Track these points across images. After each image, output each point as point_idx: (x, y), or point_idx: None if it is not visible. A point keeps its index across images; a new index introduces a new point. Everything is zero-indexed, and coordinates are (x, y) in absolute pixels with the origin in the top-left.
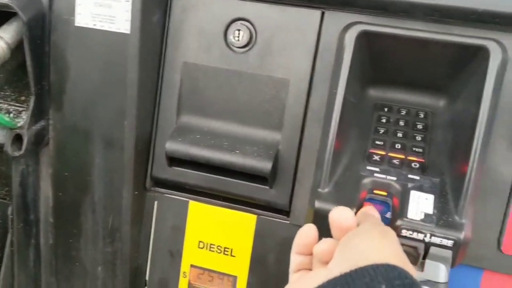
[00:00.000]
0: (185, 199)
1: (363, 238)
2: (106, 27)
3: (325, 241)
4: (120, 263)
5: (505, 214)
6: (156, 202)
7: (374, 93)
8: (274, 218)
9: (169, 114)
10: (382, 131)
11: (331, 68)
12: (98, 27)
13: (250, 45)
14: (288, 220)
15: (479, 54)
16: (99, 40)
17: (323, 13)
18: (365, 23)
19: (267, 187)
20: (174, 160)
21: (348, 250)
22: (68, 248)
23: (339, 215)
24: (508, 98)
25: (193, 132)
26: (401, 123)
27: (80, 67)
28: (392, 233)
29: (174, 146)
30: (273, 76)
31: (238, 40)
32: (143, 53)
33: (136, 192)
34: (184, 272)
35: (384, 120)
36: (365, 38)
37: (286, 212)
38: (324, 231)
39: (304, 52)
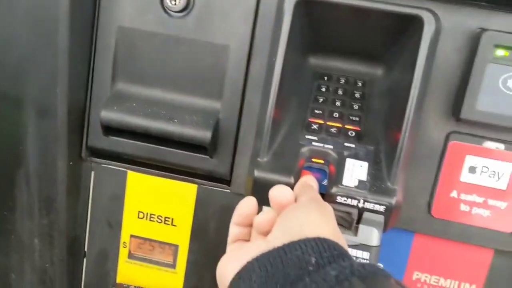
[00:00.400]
0: (123, 169)
1: (300, 213)
2: None
3: (266, 211)
4: (57, 234)
5: (435, 179)
6: (93, 172)
7: (314, 61)
8: (215, 187)
9: (104, 81)
10: (321, 100)
11: (271, 32)
12: None
13: (187, 9)
14: (229, 189)
15: (414, 24)
16: (27, 2)
17: None
18: None
19: (207, 156)
20: (110, 129)
21: (286, 223)
22: (3, 221)
23: (279, 194)
24: (441, 66)
25: (129, 100)
26: (340, 92)
27: (7, 31)
28: (329, 208)
29: (109, 115)
30: (212, 41)
31: (175, 4)
32: (74, 16)
33: (72, 162)
34: (124, 242)
35: (323, 89)
36: (304, 5)
37: (226, 181)
38: (264, 199)
39: (243, 17)
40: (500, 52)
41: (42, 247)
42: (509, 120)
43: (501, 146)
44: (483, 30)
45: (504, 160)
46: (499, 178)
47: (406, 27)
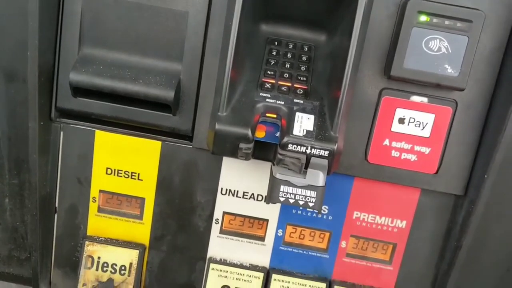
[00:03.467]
0: (91, 128)
1: None
2: None
3: None
4: (28, 193)
5: (371, 130)
6: (62, 133)
7: (266, 28)
8: (178, 143)
9: (71, 45)
10: (272, 62)
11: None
12: None
13: None
14: (191, 145)
15: None
16: None
17: None
18: None
19: (170, 114)
20: (79, 91)
21: None
22: None
23: None
24: (374, 31)
25: (96, 63)
26: (289, 55)
27: None
28: None
29: (78, 77)
30: (172, 8)
31: None
32: None
33: (42, 123)
34: (94, 197)
35: (274, 53)
36: None
37: (189, 137)
38: (224, 150)
39: None
40: (423, 18)
41: (13, 206)
42: (431, 77)
43: (425, 100)
44: None
45: (427, 111)
46: (423, 127)
47: None
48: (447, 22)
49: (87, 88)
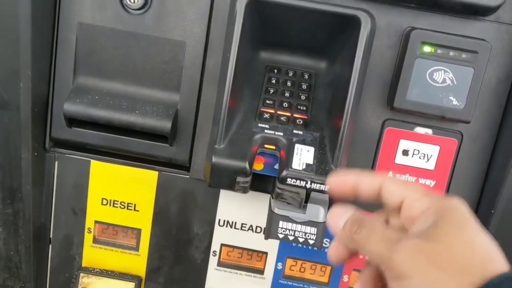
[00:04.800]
0: (86, 158)
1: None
2: None
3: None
4: (22, 223)
5: (374, 162)
6: (56, 162)
7: (266, 55)
8: (175, 173)
9: (66, 75)
10: (272, 91)
11: (225, 29)
12: None
13: (145, 7)
14: (188, 175)
15: (353, 23)
16: None
17: None
18: None
19: (167, 144)
20: (73, 121)
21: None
22: None
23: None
24: (377, 61)
25: (91, 92)
26: (289, 83)
27: None
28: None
29: (73, 107)
30: (169, 38)
31: (134, 2)
32: (35, 12)
33: (36, 154)
34: (89, 228)
35: (273, 81)
36: (253, 5)
37: (186, 168)
38: (221, 183)
39: (199, 14)
40: (427, 48)
41: (7, 235)
42: (435, 109)
43: (430, 131)
44: (412, 28)
45: (432, 143)
46: (428, 160)
47: (346, 25)
48: (451, 53)
49: (82, 119)
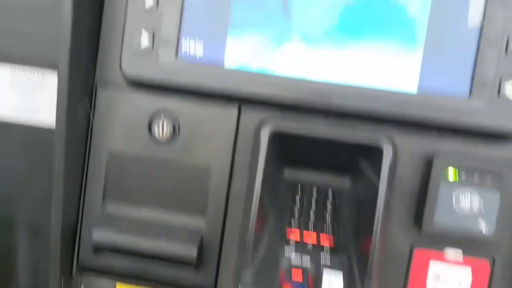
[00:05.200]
0: (111, 280)
1: None
2: (29, 120)
3: None
4: None
5: (405, 285)
6: (82, 286)
7: (289, 174)
8: None
9: (95, 202)
10: (297, 213)
11: (250, 156)
12: (20, 120)
13: (173, 137)
14: None
15: (375, 149)
16: (24, 133)
17: (239, 107)
18: (276, 121)
19: (192, 270)
20: (101, 248)
21: None
22: None
23: None
24: (402, 183)
25: (119, 220)
26: (313, 203)
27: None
28: None
29: (100, 235)
30: (196, 165)
31: (162, 132)
32: (69, 147)
33: (63, 280)
34: None
35: (298, 201)
36: (277, 135)
37: None
38: None
39: (224, 142)
40: (451, 172)
41: None
42: (464, 234)
43: (460, 253)
44: (436, 153)
45: (463, 265)
46: (460, 284)
47: (368, 150)
48: (476, 176)
49: (110, 247)
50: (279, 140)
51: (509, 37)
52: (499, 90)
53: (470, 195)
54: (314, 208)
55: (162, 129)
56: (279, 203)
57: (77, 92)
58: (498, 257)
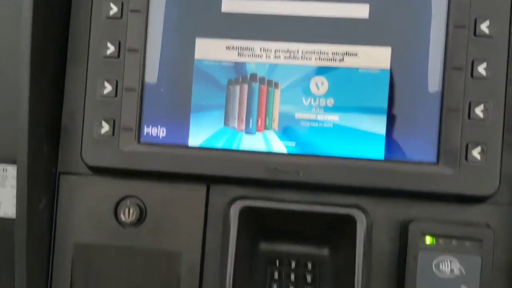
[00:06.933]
0: None
1: None
2: None
3: None
4: None
5: None
6: None
7: (265, 247)
8: None
9: None
10: (276, 287)
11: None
12: None
13: (140, 221)
14: None
15: (348, 219)
16: None
17: (208, 188)
18: (246, 198)
19: None
20: None
21: None
22: None
23: None
24: (380, 253)
25: None
26: (292, 276)
27: None
28: None
29: None
30: (165, 249)
31: (129, 217)
32: (31, 239)
33: None
34: None
35: (276, 276)
36: (247, 210)
37: None
38: None
39: (194, 224)
40: (428, 240)
41: None
42: None
43: None
44: (410, 220)
45: None
46: None
47: (342, 220)
48: (454, 242)
49: None
50: (251, 215)
51: (471, 102)
52: (466, 155)
53: (450, 261)
54: (294, 281)
55: (128, 214)
56: (256, 279)
57: (37, 183)
58: None
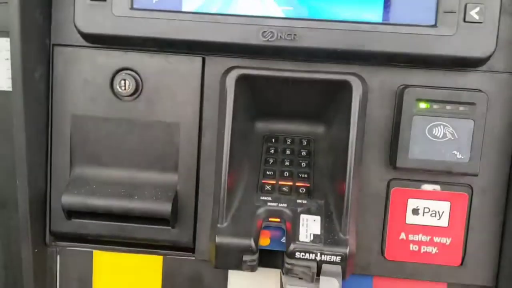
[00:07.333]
0: (88, 249)
1: None
2: None
3: None
4: None
5: (384, 224)
6: (58, 256)
7: (262, 125)
8: (180, 256)
9: (62, 168)
10: (271, 161)
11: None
12: None
13: (137, 93)
14: (193, 257)
15: (344, 87)
16: None
17: (204, 59)
18: (242, 67)
19: (169, 227)
20: (72, 213)
21: None
22: None
23: None
24: (374, 121)
25: (89, 182)
26: (288, 151)
27: None
28: None
29: (70, 199)
30: (163, 121)
31: (125, 89)
32: (28, 110)
33: (36, 250)
34: None
35: (272, 151)
36: (243, 80)
37: (191, 249)
38: (227, 263)
39: (190, 96)
40: (423, 105)
41: None
42: (439, 164)
43: (438, 187)
44: (405, 86)
45: (442, 199)
46: (440, 217)
47: (338, 90)
48: (448, 107)
49: (81, 210)
50: (247, 86)
51: None
52: (464, 16)
53: (443, 125)
54: (289, 158)
55: (124, 85)
56: (253, 155)
57: (31, 52)
58: (476, 186)
